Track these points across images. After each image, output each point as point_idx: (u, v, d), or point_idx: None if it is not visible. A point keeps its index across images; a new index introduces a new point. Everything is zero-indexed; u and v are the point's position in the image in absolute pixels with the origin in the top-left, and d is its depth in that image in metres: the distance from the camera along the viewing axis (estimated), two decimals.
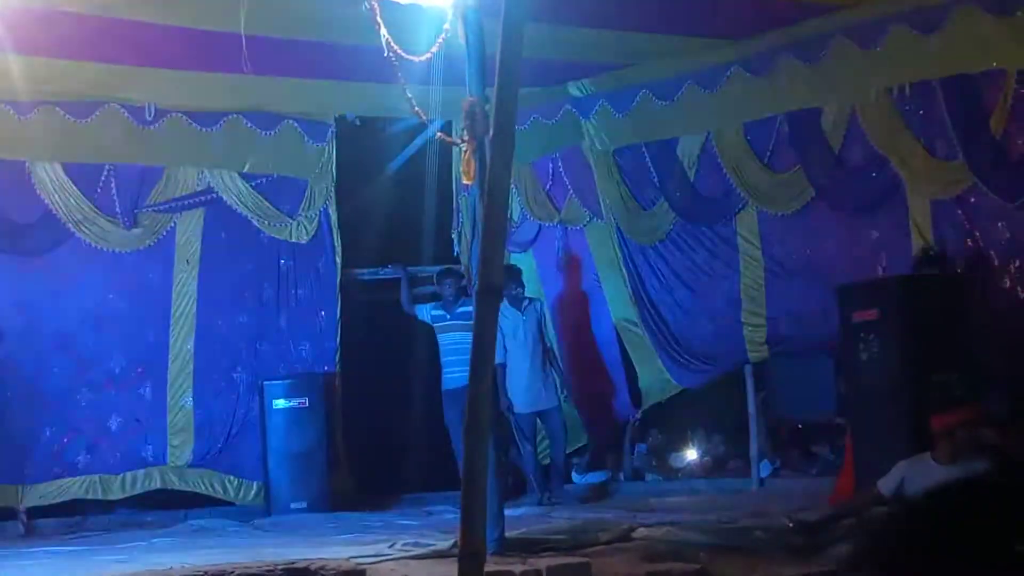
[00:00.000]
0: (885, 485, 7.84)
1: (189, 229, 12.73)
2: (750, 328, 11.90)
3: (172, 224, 12.67)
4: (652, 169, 12.60)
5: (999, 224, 10.19)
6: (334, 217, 13.14)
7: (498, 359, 10.64)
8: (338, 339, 13.12)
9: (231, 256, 12.92)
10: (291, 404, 12.39)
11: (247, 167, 12.86)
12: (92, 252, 12.35)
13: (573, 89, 12.86)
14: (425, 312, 12.38)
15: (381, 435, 13.23)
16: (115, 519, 12.05)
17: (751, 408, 11.58)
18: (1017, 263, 10.08)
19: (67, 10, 9.62)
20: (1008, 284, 10.11)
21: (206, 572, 7.85)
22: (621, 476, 12.86)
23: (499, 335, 11.26)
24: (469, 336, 5.48)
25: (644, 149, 12.65)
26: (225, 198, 12.80)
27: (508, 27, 5.46)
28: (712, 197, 12.25)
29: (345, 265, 13.28)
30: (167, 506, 12.39)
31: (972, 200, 10.37)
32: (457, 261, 13.11)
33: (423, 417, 13.14)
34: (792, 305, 11.64)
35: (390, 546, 8.71)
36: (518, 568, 7.50)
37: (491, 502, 6.90)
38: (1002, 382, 9.60)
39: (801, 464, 11.96)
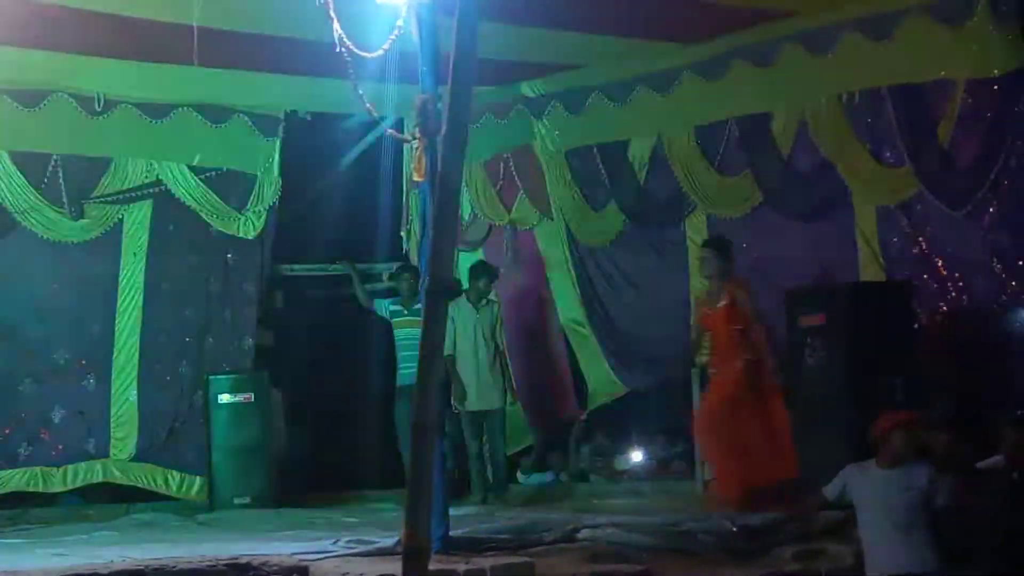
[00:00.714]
0: (830, 491, 7.89)
1: (137, 221, 12.65)
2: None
3: (120, 216, 12.58)
4: (603, 170, 12.61)
5: (945, 231, 10.27)
6: (274, 213, 13.07)
7: (447, 351, 10.65)
8: (256, 337, 13.04)
9: (178, 249, 12.85)
10: (236, 399, 12.30)
11: (196, 160, 12.79)
12: (38, 242, 12.24)
13: (526, 89, 12.87)
14: (383, 307, 12.37)
15: (326, 431, 13.18)
16: (57, 512, 11.91)
17: (696, 410, 11.61)
18: (962, 270, 10.16)
19: None
20: (953, 291, 10.19)
21: (147, 566, 7.78)
22: (566, 477, 12.86)
23: (451, 326, 11.32)
24: None
25: (595, 150, 12.66)
26: (174, 191, 12.73)
27: (462, 24, 5.47)
28: (662, 199, 12.28)
29: (294, 261, 13.22)
30: (110, 499, 12.28)
31: (918, 207, 10.44)
32: (407, 258, 13.09)
33: (369, 414, 13.12)
34: None
35: (334, 543, 8.66)
36: (462, 567, 7.46)
37: (436, 500, 6.88)
38: (947, 387, 9.69)
39: None
